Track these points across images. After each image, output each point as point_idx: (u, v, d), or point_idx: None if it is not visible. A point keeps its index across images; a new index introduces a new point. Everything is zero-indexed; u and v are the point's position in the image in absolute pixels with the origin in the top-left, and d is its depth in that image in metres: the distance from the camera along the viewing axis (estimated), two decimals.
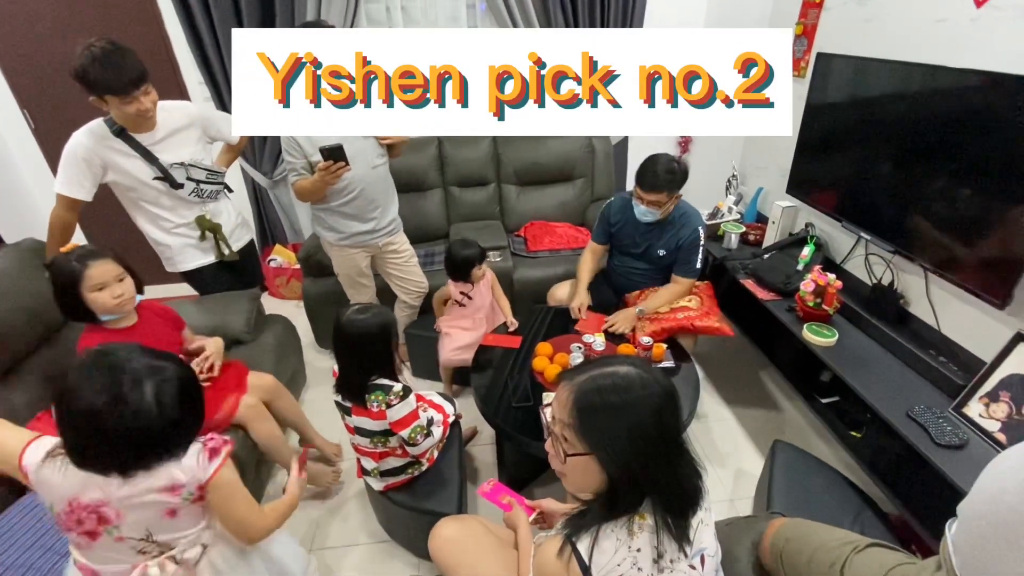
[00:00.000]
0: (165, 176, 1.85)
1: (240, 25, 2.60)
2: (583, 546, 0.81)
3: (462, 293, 2.22)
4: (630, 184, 3.44)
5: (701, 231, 2.04)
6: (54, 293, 1.45)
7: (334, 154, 1.80)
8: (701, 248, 2.05)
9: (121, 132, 1.76)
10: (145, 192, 1.87)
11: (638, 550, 0.80)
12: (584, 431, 0.81)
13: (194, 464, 0.99)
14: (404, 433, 1.46)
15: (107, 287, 1.46)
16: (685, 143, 3.41)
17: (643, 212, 1.99)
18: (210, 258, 2.09)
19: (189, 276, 2.11)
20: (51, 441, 0.97)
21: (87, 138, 1.73)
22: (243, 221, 2.24)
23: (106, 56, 1.58)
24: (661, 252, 2.10)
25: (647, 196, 1.93)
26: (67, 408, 0.88)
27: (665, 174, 1.89)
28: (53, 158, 2.20)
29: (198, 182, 1.94)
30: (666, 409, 0.82)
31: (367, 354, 1.42)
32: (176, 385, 0.93)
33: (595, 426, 0.81)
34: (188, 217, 1.98)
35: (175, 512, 1.00)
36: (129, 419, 0.87)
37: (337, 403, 1.52)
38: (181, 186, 1.90)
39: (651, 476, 0.81)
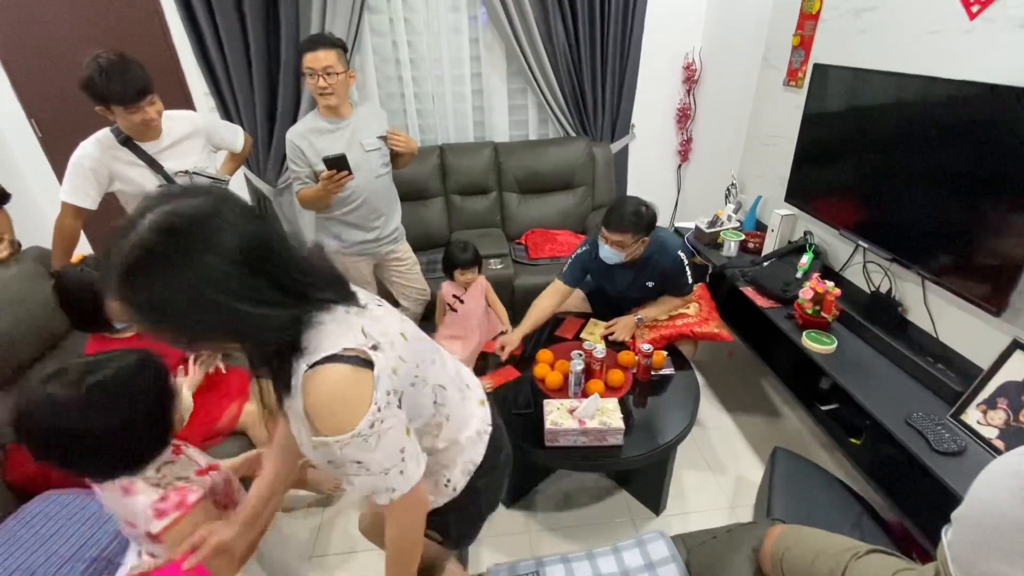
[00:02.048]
0: (169, 184, 1.87)
1: (245, 38, 2.63)
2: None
3: (454, 296, 2.26)
4: (631, 190, 3.48)
5: (682, 255, 2.00)
6: (64, 302, 1.46)
7: (337, 163, 1.82)
8: (687, 267, 2.02)
9: (127, 141, 1.78)
10: None
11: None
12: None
13: (140, 514, 0.95)
14: None
15: None
16: (685, 151, 3.44)
17: (608, 254, 1.94)
18: None
19: None
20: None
21: (94, 148, 1.76)
22: None
23: (112, 68, 1.60)
24: (650, 284, 2.08)
25: (611, 236, 1.89)
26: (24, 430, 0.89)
27: (631, 215, 1.85)
28: (60, 167, 2.22)
29: None
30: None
31: None
32: (112, 375, 0.92)
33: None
34: None
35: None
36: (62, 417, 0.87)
37: None
38: None
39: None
